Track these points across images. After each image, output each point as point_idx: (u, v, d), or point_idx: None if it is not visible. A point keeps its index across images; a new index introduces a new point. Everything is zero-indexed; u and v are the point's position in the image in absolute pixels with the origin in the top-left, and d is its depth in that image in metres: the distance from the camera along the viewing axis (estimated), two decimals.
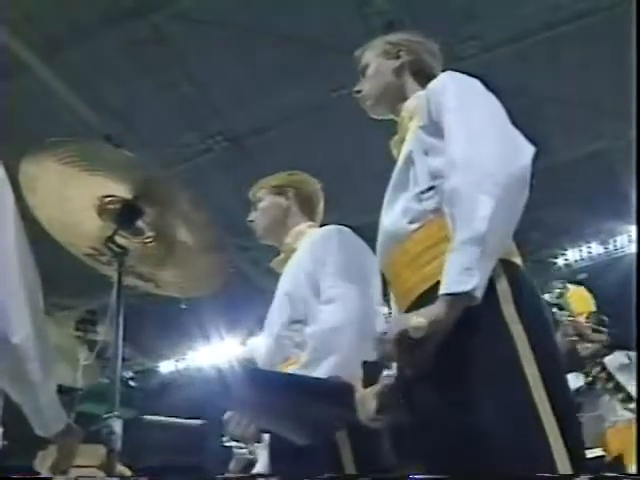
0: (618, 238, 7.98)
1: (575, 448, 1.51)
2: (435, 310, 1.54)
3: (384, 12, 5.49)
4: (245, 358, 8.69)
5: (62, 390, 1.99)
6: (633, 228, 7.72)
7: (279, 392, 1.87)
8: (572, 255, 8.19)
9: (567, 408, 1.56)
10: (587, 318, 4.88)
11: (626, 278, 6.97)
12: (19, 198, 1.98)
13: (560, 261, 8.25)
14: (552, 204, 6.98)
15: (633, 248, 7.77)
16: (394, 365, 1.68)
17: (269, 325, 2.48)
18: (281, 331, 2.39)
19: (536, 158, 1.70)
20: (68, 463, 1.94)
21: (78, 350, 2.56)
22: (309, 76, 5.87)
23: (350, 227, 2.48)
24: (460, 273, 1.54)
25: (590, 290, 5.16)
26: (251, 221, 2.74)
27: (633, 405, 4.60)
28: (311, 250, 2.45)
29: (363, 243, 2.41)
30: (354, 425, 1.96)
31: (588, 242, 8.09)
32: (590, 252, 8.09)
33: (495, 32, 5.75)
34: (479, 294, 1.53)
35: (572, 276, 8.28)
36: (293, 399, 1.88)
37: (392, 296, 1.96)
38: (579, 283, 5.74)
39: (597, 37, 5.54)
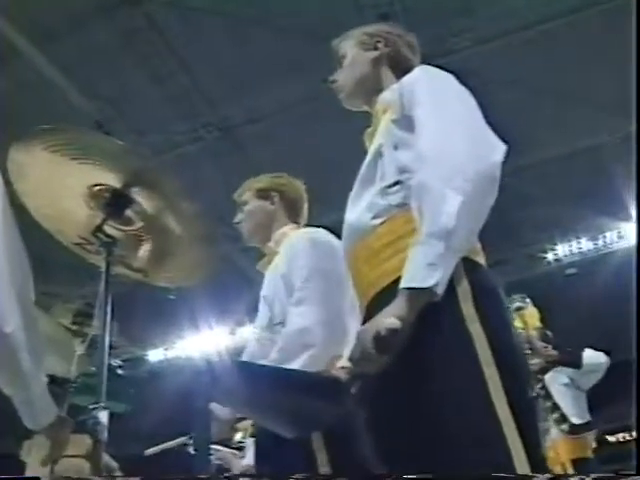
0: (608, 234, 8.02)
1: (533, 449, 1.49)
2: (397, 307, 1.53)
3: (379, 4, 5.48)
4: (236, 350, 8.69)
5: (55, 381, 1.98)
6: (623, 225, 7.76)
7: (267, 385, 1.87)
8: (562, 250, 8.24)
9: (526, 409, 1.54)
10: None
11: (615, 274, 7.02)
12: (7, 184, 1.96)
13: (550, 256, 8.29)
14: (543, 199, 7.00)
15: (623, 244, 7.81)
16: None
17: (255, 328, 2.55)
18: (262, 333, 2.46)
19: (510, 155, 1.68)
20: (59, 454, 1.93)
21: (73, 342, 2.54)
22: (303, 67, 5.85)
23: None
24: (423, 268, 1.52)
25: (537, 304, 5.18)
26: (237, 223, 2.74)
27: (566, 426, 4.76)
28: (286, 254, 2.48)
29: (339, 244, 2.42)
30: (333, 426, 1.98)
31: (578, 238, 8.12)
32: (580, 248, 8.13)
33: (489, 25, 5.74)
34: (440, 290, 1.52)
35: (561, 271, 8.37)
36: (281, 392, 1.88)
37: (354, 292, 1.92)
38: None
39: (594, 30, 5.54)
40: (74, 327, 2.10)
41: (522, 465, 1.44)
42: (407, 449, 1.56)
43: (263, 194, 2.71)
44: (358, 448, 2.17)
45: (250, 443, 2.92)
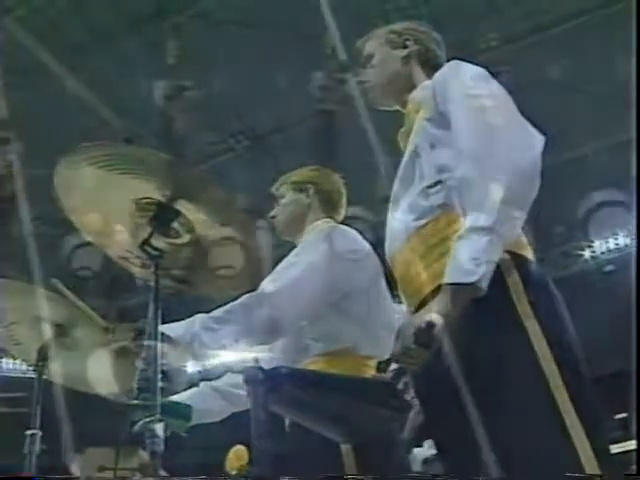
0: None
1: (600, 445, 1.45)
2: (440, 302, 1.52)
3: (404, 7, 5.49)
4: None
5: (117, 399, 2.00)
6: None
7: (319, 390, 1.86)
8: (599, 247, 8.08)
9: (589, 405, 1.51)
10: None
11: None
12: (55, 200, 1.98)
13: (587, 253, 8.14)
14: (578, 195, 6.94)
15: None
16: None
17: None
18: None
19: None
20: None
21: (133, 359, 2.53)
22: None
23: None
24: (467, 263, 1.50)
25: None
26: (272, 217, 2.69)
27: None
28: (302, 244, 2.47)
29: (361, 249, 2.41)
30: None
31: (615, 234, 7.94)
32: (617, 244, 7.96)
33: (515, 24, 5.73)
34: (484, 285, 1.49)
35: (599, 268, 8.21)
36: (332, 397, 1.87)
37: (401, 295, 1.91)
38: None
39: (621, 26, 5.50)
40: (135, 346, 2.10)
41: (591, 464, 1.41)
42: (467, 450, 1.55)
43: (299, 187, 2.66)
44: (389, 452, 2.17)
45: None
